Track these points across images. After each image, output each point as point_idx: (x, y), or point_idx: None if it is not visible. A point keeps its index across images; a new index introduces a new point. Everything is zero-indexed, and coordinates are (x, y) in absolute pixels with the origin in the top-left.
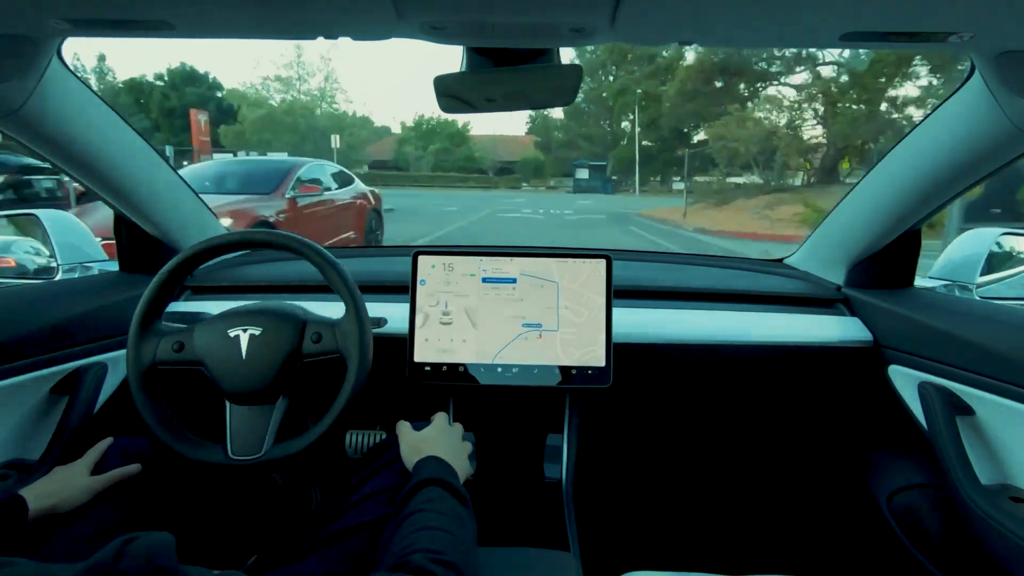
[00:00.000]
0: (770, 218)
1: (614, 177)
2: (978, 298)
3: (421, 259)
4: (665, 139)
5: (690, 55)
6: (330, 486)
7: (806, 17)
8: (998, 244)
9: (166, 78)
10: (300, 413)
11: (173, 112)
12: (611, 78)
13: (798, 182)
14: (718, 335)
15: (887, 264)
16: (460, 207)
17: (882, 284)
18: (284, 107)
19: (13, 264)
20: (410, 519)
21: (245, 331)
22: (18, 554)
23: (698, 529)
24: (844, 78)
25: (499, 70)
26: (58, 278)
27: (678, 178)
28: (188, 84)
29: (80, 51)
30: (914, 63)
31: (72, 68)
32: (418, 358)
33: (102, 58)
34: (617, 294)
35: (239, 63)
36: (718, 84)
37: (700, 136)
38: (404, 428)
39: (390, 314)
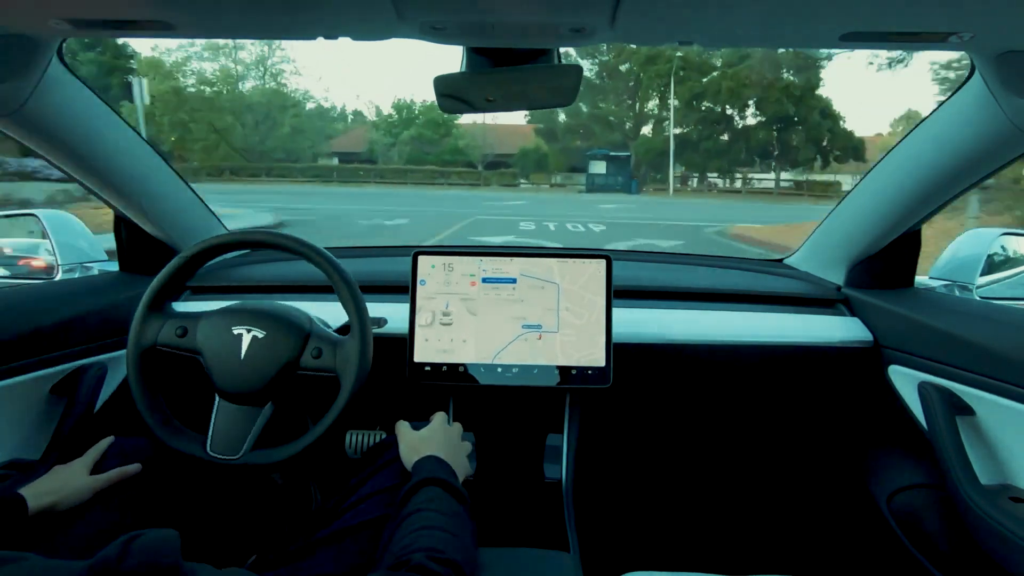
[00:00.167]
0: None
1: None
2: (978, 298)
3: (421, 259)
4: (710, 122)
5: None
6: (330, 486)
7: (806, 18)
8: (998, 245)
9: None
10: (286, 421)
11: None
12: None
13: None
14: (718, 335)
15: (887, 264)
16: (419, 217)
17: (882, 284)
18: (200, 80)
19: (44, 266)
20: (410, 518)
21: (249, 331)
22: None
23: (698, 529)
24: None
25: (499, 70)
26: (58, 278)
27: (732, 175)
28: (87, 49)
29: None
30: None
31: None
32: (418, 358)
33: None
34: (617, 294)
35: None
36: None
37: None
38: (403, 428)
39: (390, 314)
